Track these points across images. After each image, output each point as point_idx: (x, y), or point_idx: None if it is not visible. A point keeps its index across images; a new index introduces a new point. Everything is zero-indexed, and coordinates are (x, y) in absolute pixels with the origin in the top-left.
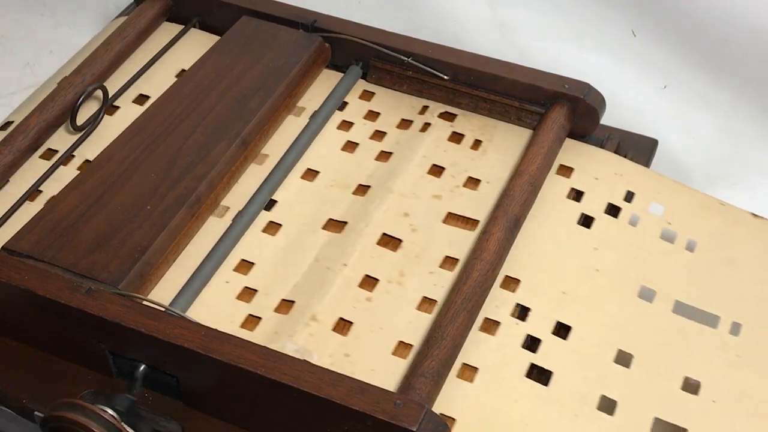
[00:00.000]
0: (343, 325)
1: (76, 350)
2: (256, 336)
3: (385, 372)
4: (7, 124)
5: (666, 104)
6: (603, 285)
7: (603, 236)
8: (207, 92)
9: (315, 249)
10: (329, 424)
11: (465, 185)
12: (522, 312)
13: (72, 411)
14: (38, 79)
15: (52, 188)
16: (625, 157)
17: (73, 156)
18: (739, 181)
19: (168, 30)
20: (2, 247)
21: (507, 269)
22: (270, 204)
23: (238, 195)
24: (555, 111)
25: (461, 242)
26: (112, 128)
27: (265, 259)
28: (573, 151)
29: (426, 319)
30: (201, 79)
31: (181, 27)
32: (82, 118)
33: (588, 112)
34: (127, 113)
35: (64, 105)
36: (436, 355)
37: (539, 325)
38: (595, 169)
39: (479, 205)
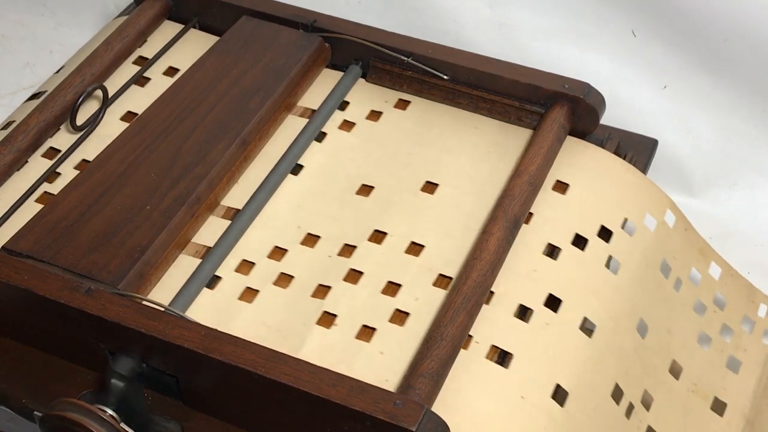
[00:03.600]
0: None
1: (76, 350)
2: None
3: None
4: (9, 124)
5: (666, 104)
6: None
7: None
8: (207, 92)
9: None
10: (329, 424)
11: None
12: None
13: (71, 410)
14: (38, 79)
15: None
16: (624, 157)
17: (73, 156)
18: (739, 181)
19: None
20: (2, 247)
21: None
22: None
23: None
24: (555, 111)
25: None
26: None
27: None
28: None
29: None
30: (201, 79)
31: (181, 26)
32: (82, 118)
33: (588, 112)
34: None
35: (64, 105)
36: (435, 355)
37: None
38: None
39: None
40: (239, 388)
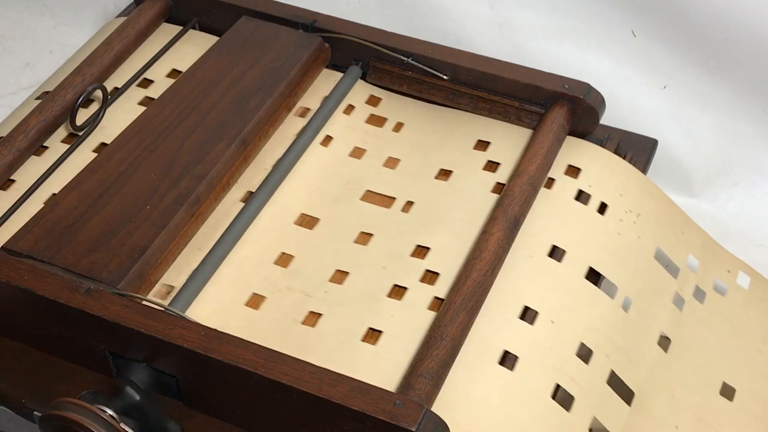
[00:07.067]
0: None
1: (76, 350)
2: None
3: None
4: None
5: (666, 104)
6: None
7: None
8: (207, 92)
9: None
10: (329, 424)
11: None
12: None
13: (70, 410)
14: (38, 79)
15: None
16: (624, 157)
17: (73, 156)
18: (739, 181)
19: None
20: (2, 247)
21: None
22: None
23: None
24: (555, 111)
25: None
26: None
27: None
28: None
29: None
30: (201, 79)
31: (180, 27)
32: (82, 118)
33: (588, 112)
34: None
35: (64, 105)
36: (435, 356)
37: None
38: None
39: None
40: (239, 388)
